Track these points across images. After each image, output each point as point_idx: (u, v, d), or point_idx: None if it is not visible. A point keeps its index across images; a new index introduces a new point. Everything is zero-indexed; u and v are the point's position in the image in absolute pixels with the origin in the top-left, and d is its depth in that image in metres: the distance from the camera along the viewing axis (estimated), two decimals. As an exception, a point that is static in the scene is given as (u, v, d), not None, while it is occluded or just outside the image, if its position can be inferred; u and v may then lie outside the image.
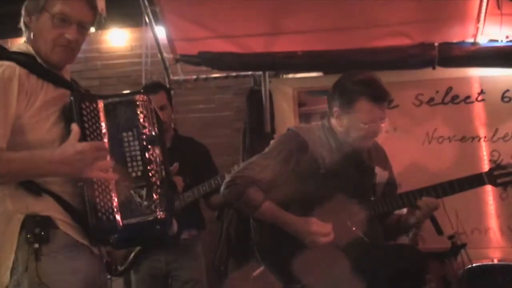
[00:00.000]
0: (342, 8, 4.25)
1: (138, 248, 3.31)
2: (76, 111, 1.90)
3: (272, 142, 2.83)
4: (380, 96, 2.59)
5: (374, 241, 2.62)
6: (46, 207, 1.87)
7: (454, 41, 4.43)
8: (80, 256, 1.89)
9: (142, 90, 3.37)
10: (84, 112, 1.91)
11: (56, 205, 1.88)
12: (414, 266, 2.44)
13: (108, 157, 1.87)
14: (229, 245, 4.17)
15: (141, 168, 1.91)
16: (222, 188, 2.71)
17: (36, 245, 1.81)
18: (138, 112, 1.96)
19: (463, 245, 3.19)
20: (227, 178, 2.71)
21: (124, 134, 1.93)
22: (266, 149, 2.75)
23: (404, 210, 2.72)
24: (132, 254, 3.32)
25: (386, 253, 2.51)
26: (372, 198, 2.68)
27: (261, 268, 2.66)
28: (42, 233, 1.83)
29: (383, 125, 2.64)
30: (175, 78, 4.71)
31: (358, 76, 2.65)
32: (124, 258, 3.31)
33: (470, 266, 3.62)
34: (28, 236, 1.82)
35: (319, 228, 2.52)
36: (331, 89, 2.73)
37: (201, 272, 3.48)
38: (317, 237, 2.51)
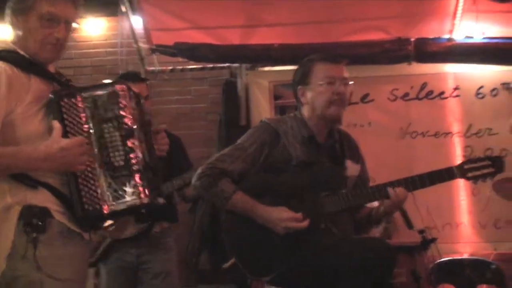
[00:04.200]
0: (319, 1, 4.25)
1: (109, 240, 3.28)
2: (56, 108, 1.99)
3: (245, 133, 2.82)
4: (333, 57, 2.71)
5: (344, 234, 2.62)
6: (43, 198, 1.99)
7: (431, 37, 4.46)
8: (72, 243, 2.02)
9: (120, 78, 3.36)
10: (64, 109, 1.99)
11: (51, 196, 2.00)
12: (383, 260, 2.43)
13: (90, 151, 1.99)
14: (202, 237, 4.14)
15: (123, 157, 2.01)
16: (193, 179, 2.70)
17: (34, 235, 1.94)
18: (118, 102, 2.04)
19: (433, 239, 3.22)
20: (199, 169, 2.70)
21: (105, 125, 2.02)
22: (239, 141, 2.74)
23: (375, 203, 2.72)
24: (103, 246, 3.29)
25: (355, 246, 2.50)
26: (343, 191, 2.67)
27: (232, 260, 2.65)
28: (40, 223, 1.96)
29: (348, 88, 2.66)
30: (151, 68, 4.68)
31: None
32: (94, 249, 3.28)
33: (439, 260, 3.67)
34: (26, 226, 1.94)
35: (291, 215, 2.52)
36: (292, 77, 2.79)
37: (172, 265, 3.45)
38: (290, 223, 2.50)
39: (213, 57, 4.52)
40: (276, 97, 4.71)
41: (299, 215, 2.52)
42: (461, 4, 4.26)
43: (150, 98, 3.44)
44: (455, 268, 4.06)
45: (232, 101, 4.64)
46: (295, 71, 2.81)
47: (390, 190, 2.56)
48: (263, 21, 4.42)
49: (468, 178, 2.64)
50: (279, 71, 4.67)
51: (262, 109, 4.65)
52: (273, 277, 2.56)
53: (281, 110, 4.65)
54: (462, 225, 4.49)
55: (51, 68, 2.15)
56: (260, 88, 4.70)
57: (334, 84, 2.63)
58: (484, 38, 4.42)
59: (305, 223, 2.51)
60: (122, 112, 2.03)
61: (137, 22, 4.40)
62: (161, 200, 2.12)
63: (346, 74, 2.68)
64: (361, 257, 2.41)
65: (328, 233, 2.55)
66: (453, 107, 4.61)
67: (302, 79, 2.72)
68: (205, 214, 4.10)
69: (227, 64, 4.76)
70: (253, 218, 2.58)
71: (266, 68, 4.77)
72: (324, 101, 2.64)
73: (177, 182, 3.30)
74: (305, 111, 2.73)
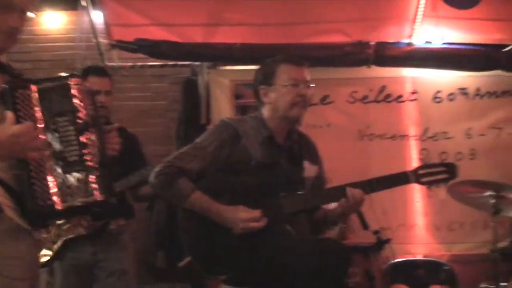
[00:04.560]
0: (282, 2, 4.28)
1: (63, 238, 3.22)
2: (10, 99, 1.92)
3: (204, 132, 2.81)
4: (297, 59, 2.74)
5: (301, 234, 2.64)
6: None
7: (390, 41, 4.52)
8: (22, 240, 1.95)
9: (84, 72, 3.30)
10: (18, 101, 1.92)
11: (1, 190, 1.92)
12: (338, 260, 2.47)
13: (41, 138, 1.91)
14: (159, 236, 4.12)
15: (77, 152, 1.96)
16: (150, 177, 2.67)
17: None
18: (73, 96, 1.98)
19: (388, 240, 3.27)
20: (156, 168, 2.67)
21: (59, 119, 1.96)
22: (198, 139, 2.73)
23: (332, 205, 2.75)
24: (57, 244, 3.23)
25: (311, 246, 2.51)
26: (301, 192, 2.69)
27: (188, 259, 2.64)
28: None
29: (309, 91, 2.69)
30: (111, 64, 4.61)
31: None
32: (48, 248, 3.21)
33: (394, 260, 3.73)
34: None
35: (249, 214, 2.53)
36: (254, 76, 2.80)
37: (128, 263, 3.40)
38: (248, 223, 2.51)
39: (174, 55, 4.49)
40: (237, 96, 4.72)
41: (257, 214, 2.53)
42: (421, 9, 4.33)
43: (112, 94, 3.39)
44: (409, 269, 4.14)
45: (193, 99, 4.62)
46: (257, 70, 2.81)
47: (347, 192, 2.59)
48: (226, 20, 4.41)
49: (422, 183, 2.70)
50: (241, 70, 4.67)
51: (222, 108, 4.64)
52: (229, 276, 2.57)
53: (242, 109, 4.65)
54: (416, 226, 4.57)
55: (2, 59, 2.07)
56: (221, 87, 4.70)
57: (298, 86, 2.66)
58: (443, 43, 4.52)
59: (263, 223, 2.52)
60: (76, 106, 1.99)
61: (97, 17, 4.34)
62: (113, 200, 2.08)
63: (308, 77, 2.71)
64: (317, 257, 2.43)
65: (285, 233, 2.56)
66: (410, 110, 4.69)
67: (265, 79, 2.73)
68: (162, 212, 4.09)
69: (188, 62, 4.74)
70: (211, 217, 2.57)
71: (228, 67, 4.76)
72: (287, 102, 2.66)
73: (134, 179, 3.26)
74: (266, 111, 2.74)
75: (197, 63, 4.67)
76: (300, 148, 2.81)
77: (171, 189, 2.61)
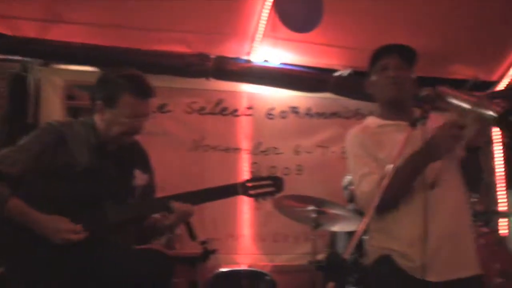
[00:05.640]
0: (127, 6, 4.20)
1: None
2: None
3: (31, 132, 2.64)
4: (144, 92, 2.58)
5: (126, 244, 2.59)
6: None
7: (230, 56, 4.64)
8: None
9: None
10: None
11: None
12: (160, 270, 2.46)
13: None
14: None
15: None
16: None
17: None
18: None
19: (213, 251, 3.32)
20: (-30, 171, 2.46)
21: None
22: (21, 142, 2.56)
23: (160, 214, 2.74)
24: None
25: (133, 256, 2.49)
26: (128, 201, 2.64)
27: (1, 269, 2.46)
28: None
29: (145, 122, 2.62)
30: None
31: (123, 71, 2.62)
32: None
33: (218, 270, 3.80)
34: None
35: (69, 225, 2.42)
36: (94, 83, 2.65)
37: None
38: (67, 234, 2.40)
39: (4, 49, 4.20)
40: (69, 97, 4.50)
41: (77, 226, 2.43)
42: (261, 28, 4.50)
43: None
44: (233, 279, 4.24)
45: (20, 97, 4.34)
46: (98, 85, 2.64)
47: (174, 203, 2.59)
48: (64, 18, 4.23)
49: (249, 196, 2.78)
50: (76, 71, 4.50)
51: (53, 108, 4.41)
52: (47, 289, 2.44)
53: (73, 111, 4.43)
54: (243, 237, 4.71)
55: None
56: (53, 86, 4.46)
57: (136, 120, 2.58)
58: (280, 63, 4.74)
59: (83, 235, 2.42)
60: None
61: None
62: None
63: (150, 109, 2.63)
64: (139, 267, 2.41)
65: (108, 243, 2.49)
66: (244, 124, 4.85)
67: (105, 99, 2.58)
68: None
69: (18, 57, 4.44)
70: (28, 225, 2.41)
71: (62, 66, 4.55)
72: (121, 131, 2.57)
73: None
74: (99, 121, 2.62)
75: (27, 59, 4.40)
76: (131, 155, 2.75)
77: (-15, 195, 2.41)
